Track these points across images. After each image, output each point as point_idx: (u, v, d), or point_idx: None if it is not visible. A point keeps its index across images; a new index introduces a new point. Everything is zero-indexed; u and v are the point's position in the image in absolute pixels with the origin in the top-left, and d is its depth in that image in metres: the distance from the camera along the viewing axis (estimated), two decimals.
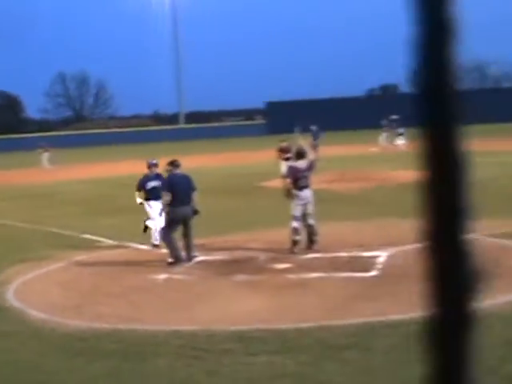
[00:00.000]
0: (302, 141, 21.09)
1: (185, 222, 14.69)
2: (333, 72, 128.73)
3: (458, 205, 1.13)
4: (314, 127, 41.20)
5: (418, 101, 1.07)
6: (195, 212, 14.79)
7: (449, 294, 1.16)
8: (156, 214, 16.22)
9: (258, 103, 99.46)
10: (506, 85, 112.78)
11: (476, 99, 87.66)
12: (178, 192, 14.59)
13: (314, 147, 39.24)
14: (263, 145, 58.39)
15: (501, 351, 8.16)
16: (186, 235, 14.77)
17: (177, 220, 14.65)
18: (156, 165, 16.95)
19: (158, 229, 15.80)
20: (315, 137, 40.44)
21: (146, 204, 16.62)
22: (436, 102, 1.05)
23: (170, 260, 14.37)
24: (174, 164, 15.30)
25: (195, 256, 14.60)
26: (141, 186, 16.71)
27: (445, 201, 1.12)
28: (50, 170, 46.64)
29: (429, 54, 1.05)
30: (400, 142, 47.24)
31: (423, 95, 1.06)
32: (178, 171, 15.24)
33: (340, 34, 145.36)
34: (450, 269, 1.15)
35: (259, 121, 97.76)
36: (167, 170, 15.44)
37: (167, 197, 14.64)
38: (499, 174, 27.71)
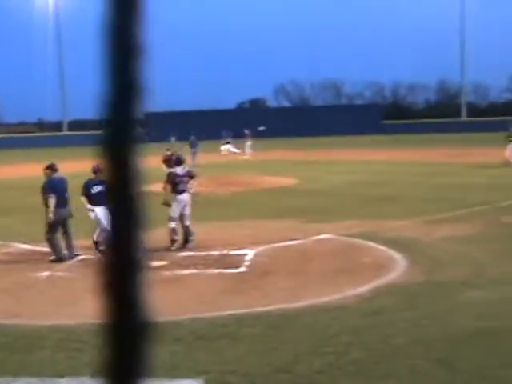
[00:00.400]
0: (182, 149, 21.16)
1: (64, 223, 14.48)
2: (205, 85, 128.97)
3: (132, 216, 1.21)
4: (192, 137, 41.29)
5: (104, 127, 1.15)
6: (71, 214, 14.68)
7: (122, 303, 1.21)
8: (103, 219, 14.17)
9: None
10: (358, 102, 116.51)
11: (331, 114, 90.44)
12: (58, 194, 14.30)
13: (193, 155, 39.36)
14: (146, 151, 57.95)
15: (346, 339, 8.44)
16: (67, 235, 14.51)
17: (59, 221, 14.33)
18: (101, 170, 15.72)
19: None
20: (193, 145, 40.60)
21: (90, 210, 14.78)
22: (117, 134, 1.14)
23: (51, 258, 14.04)
24: (52, 168, 14.87)
25: (77, 254, 14.33)
26: (86, 191, 14.91)
27: (120, 213, 1.19)
28: None
29: (114, 108, 1.12)
30: (248, 151, 48.46)
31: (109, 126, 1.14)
32: (56, 175, 14.81)
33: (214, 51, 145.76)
34: (124, 278, 1.20)
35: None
36: (46, 174, 14.91)
37: (52, 199, 14.23)
38: (352, 180, 28.61)
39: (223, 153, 49.69)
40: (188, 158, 38.83)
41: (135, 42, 1.10)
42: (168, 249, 14.70)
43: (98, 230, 14.50)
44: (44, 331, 9.25)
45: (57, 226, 14.39)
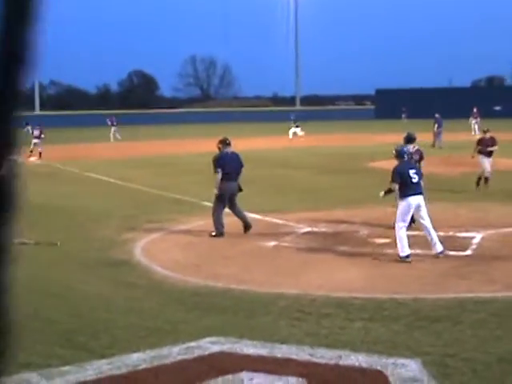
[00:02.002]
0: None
1: (231, 197, 14.61)
2: (440, 62, 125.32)
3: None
4: (437, 115, 40.06)
5: None
6: (240, 189, 14.74)
7: None
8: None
9: (369, 89, 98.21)
10: None
11: None
12: (227, 169, 14.42)
13: (437, 134, 38.53)
14: (373, 129, 57.76)
15: None
16: (234, 209, 14.66)
17: (225, 195, 14.49)
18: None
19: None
20: (439, 124, 39.46)
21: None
22: None
23: (213, 233, 14.23)
24: (224, 142, 15.01)
25: (248, 227, 14.45)
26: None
27: None
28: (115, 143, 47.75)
29: None
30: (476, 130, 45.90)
31: None
32: (227, 149, 14.90)
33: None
34: None
35: (369, 106, 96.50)
36: (218, 148, 14.99)
37: (219, 174, 14.35)
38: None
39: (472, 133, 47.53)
40: (430, 137, 38.25)
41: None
42: (393, 226, 14.52)
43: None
44: (268, 298, 9.61)
45: (223, 201, 14.52)
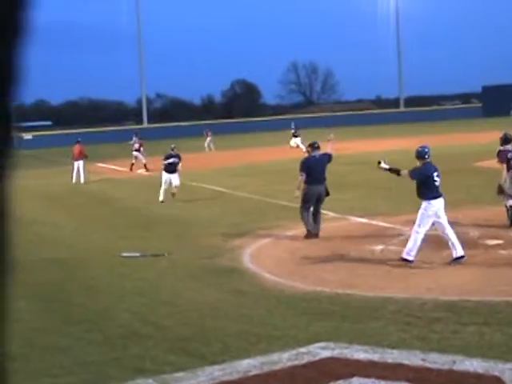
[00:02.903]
0: None
1: (318, 200, 14.82)
2: None
3: None
4: None
5: None
6: (327, 193, 15.00)
7: None
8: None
9: (475, 87, 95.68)
10: None
11: None
12: (314, 173, 14.68)
13: None
14: (480, 127, 56.15)
15: None
16: (315, 212, 14.88)
17: (311, 198, 14.76)
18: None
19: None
20: None
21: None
22: None
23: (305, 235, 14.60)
24: (313, 146, 15.33)
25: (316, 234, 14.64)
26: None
27: None
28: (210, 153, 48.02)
29: None
30: None
31: None
32: (315, 153, 15.19)
33: None
34: None
35: (476, 104, 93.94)
36: (307, 152, 15.34)
37: (302, 177, 14.78)
38: None
39: None
40: None
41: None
42: (504, 227, 14.12)
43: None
44: (377, 302, 9.48)
45: (309, 202, 14.76)
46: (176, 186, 22.62)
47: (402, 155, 35.94)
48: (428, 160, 12.09)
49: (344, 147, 39.27)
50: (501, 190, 14.43)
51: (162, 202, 21.92)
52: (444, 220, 11.71)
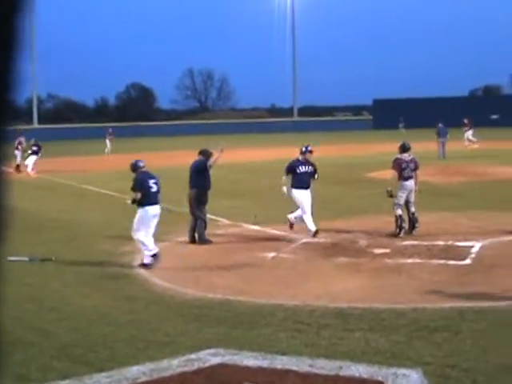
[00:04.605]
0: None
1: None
2: (437, 71, 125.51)
3: None
4: (440, 125, 39.28)
5: None
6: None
7: None
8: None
9: (367, 100, 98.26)
10: None
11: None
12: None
13: (442, 143, 37.81)
14: (370, 139, 57.81)
15: None
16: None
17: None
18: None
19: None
20: (442, 133, 38.46)
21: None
22: None
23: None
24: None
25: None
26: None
27: None
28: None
29: None
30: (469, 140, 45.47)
31: None
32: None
33: (446, 35, 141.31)
34: None
35: (367, 116, 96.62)
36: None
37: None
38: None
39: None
40: (434, 146, 37.81)
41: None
42: (392, 236, 14.63)
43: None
44: (267, 309, 9.58)
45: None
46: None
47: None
48: (143, 170, 13.34)
49: (238, 155, 39.55)
50: (390, 195, 15.02)
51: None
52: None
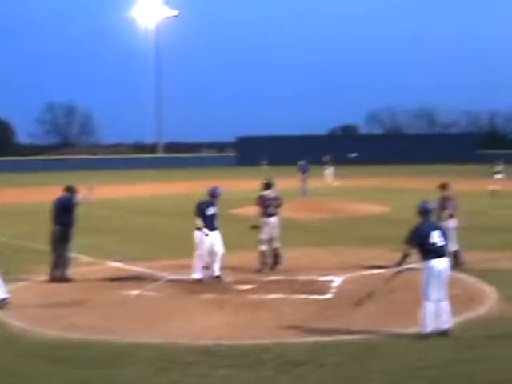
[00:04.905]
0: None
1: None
2: (299, 110, 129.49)
3: None
4: (302, 162, 40.29)
5: None
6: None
7: None
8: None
9: (230, 137, 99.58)
10: (452, 131, 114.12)
11: (424, 142, 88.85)
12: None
13: (304, 180, 38.76)
14: (234, 175, 58.44)
15: (435, 373, 8.15)
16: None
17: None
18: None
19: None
20: (304, 170, 39.50)
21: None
22: None
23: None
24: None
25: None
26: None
27: None
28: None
29: None
30: (329, 177, 47.27)
31: None
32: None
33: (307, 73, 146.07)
34: None
35: (230, 153, 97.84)
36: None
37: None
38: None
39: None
40: (297, 183, 38.69)
41: None
42: (256, 272, 14.81)
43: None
44: (131, 349, 9.40)
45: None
46: None
47: (155, 200, 36.52)
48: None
49: (105, 191, 38.84)
50: (254, 227, 15.23)
51: None
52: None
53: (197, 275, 14.17)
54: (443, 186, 15.78)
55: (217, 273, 14.29)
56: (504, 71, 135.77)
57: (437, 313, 9.77)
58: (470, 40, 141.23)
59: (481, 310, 11.30)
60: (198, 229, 14.36)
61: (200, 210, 14.55)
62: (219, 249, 14.37)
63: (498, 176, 37.04)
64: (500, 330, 10.08)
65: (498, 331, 10.04)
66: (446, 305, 9.83)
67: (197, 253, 14.31)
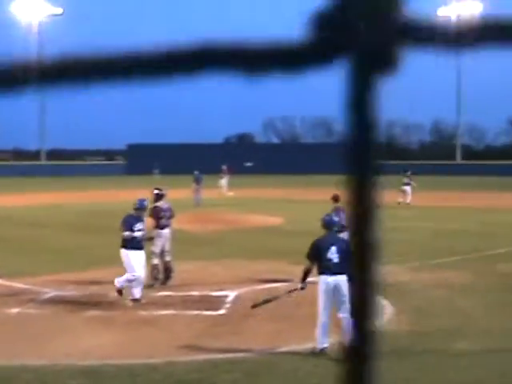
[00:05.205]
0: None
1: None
2: (195, 119, 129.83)
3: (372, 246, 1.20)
4: (196, 172, 40.38)
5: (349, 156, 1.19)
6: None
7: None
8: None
9: (120, 144, 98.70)
10: None
11: (322, 152, 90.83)
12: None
13: (197, 190, 38.87)
14: (123, 184, 57.84)
15: None
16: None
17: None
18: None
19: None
20: (198, 181, 39.64)
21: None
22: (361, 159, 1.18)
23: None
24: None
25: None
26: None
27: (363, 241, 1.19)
28: None
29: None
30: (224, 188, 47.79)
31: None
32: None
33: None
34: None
35: (120, 161, 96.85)
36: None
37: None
38: None
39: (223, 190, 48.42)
40: (190, 193, 38.69)
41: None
42: (146, 286, 14.69)
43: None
44: (10, 372, 9.20)
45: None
46: None
47: (36, 211, 35.72)
48: None
49: None
50: (147, 239, 15.16)
51: None
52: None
53: (136, 295, 13.43)
54: (335, 198, 16.22)
55: (137, 295, 13.46)
56: (401, 78, 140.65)
57: (327, 330, 9.99)
58: None
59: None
60: (124, 246, 13.69)
61: (127, 225, 13.79)
62: (141, 271, 13.64)
63: (406, 187, 38.31)
64: (394, 345, 10.45)
65: (388, 347, 10.40)
66: (346, 319, 9.96)
67: (128, 275, 13.47)
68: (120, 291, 13.52)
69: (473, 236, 24.08)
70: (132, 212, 14.19)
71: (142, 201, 14.34)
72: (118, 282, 13.52)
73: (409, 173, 39.31)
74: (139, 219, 14.00)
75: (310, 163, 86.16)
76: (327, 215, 10.88)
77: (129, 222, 13.83)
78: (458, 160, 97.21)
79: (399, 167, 40.98)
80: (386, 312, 12.59)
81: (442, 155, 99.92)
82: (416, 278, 16.04)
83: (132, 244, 13.61)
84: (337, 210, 15.86)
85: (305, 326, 11.07)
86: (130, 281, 13.47)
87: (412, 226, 27.67)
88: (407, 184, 38.63)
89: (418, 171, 56.01)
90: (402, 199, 37.00)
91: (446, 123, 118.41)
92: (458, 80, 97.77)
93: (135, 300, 13.36)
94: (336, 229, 10.89)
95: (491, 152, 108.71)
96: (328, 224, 10.73)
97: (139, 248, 13.74)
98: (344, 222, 15.87)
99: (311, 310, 11.42)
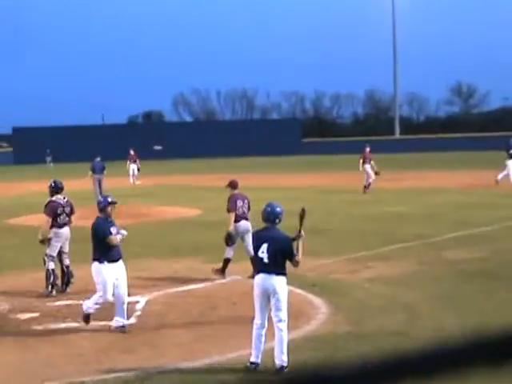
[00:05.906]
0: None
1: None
2: (93, 97, 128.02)
3: None
4: (96, 159, 39.13)
5: None
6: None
7: None
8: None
9: (6, 128, 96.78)
10: (273, 116, 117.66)
11: (242, 131, 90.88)
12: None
13: (99, 180, 37.92)
14: (11, 176, 56.71)
15: None
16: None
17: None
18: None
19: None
20: (98, 169, 38.34)
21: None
22: None
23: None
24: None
25: None
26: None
27: None
28: None
29: None
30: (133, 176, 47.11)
31: None
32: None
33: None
34: None
35: (6, 148, 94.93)
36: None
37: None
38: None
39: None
40: (90, 184, 37.75)
41: None
42: (42, 296, 14.45)
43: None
44: None
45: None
46: None
47: None
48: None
49: None
50: (41, 241, 14.85)
51: None
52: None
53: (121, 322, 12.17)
54: (232, 185, 16.20)
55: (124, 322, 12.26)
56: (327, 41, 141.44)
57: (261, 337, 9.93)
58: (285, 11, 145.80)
59: (308, 328, 11.74)
60: (98, 259, 12.41)
61: (102, 232, 12.43)
62: (123, 289, 12.52)
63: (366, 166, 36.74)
64: (330, 350, 10.52)
65: (328, 351, 10.47)
66: (278, 332, 9.85)
67: (98, 295, 12.37)
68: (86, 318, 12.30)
69: (417, 221, 24.51)
70: (101, 215, 12.73)
71: (105, 197, 13.04)
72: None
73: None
74: (112, 222, 12.73)
75: (230, 144, 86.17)
76: (268, 205, 10.52)
77: (103, 228, 12.50)
78: (397, 135, 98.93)
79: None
80: (320, 312, 12.68)
81: (379, 129, 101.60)
82: (353, 271, 16.21)
83: (108, 257, 12.42)
84: (232, 198, 15.84)
85: (224, 334, 11.07)
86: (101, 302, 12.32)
87: (347, 212, 27.98)
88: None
89: (351, 148, 56.67)
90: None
91: (381, 92, 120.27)
92: (394, 43, 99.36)
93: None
94: (278, 222, 10.48)
95: (432, 124, 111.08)
96: (267, 216, 10.36)
97: (117, 259, 12.56)
98: (243, 210, 15.89)
99: (230, 313, 11.43)
